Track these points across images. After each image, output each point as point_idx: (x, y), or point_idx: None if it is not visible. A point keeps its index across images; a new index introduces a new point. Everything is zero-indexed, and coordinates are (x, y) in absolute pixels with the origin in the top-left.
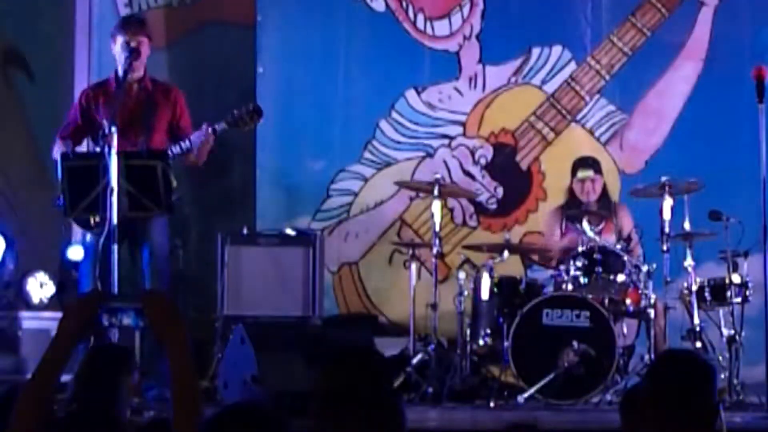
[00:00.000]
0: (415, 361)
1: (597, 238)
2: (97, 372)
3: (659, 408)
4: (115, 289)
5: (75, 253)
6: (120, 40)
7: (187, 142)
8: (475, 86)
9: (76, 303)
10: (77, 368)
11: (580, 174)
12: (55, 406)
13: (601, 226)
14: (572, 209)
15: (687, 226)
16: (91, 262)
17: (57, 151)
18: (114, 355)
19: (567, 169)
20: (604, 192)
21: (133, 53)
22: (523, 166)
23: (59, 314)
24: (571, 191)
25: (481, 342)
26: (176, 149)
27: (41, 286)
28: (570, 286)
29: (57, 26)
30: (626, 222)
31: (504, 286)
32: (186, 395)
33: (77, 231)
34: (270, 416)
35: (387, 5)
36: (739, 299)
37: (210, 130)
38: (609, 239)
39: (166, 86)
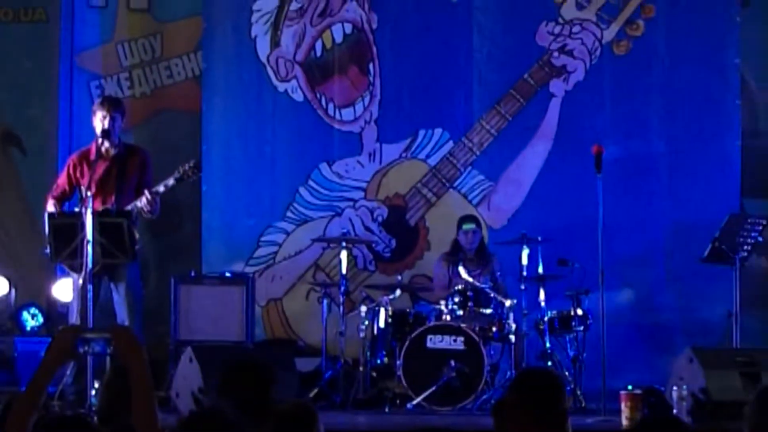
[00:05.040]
0: (326, 376)
1: (470, 279)
2: (119, 385)
3: (521, 413)
4: (91, 323)
5: (63, 289)
6: (98, 114)
7: (134, 204)
8: (374, 160)
9: (60, 333)
10: (103, 382)
11: (465, 227)
12: (43, 411)
13: (479, 270)
14: (454, 256)
15: (540, 270)
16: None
17: (48, 208)
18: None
19: (447, 225)
20: (482, 242)
21: (104, 134)
22: (412, 222)
23: (47, 340)
24: (455, 241)
25: (378, 361)
26: (129, 207)
27: (33, 317)
28: (448, 317)
29: (45, 113)
30: (495, 266)
31: (396, 317)
32: (145, 406)
33: (61, 273)
34: (230, 419)
35: (305, 96)
36: (581, 327)
37: (149, 194)
38: (485, 279)
39: (136, 149)
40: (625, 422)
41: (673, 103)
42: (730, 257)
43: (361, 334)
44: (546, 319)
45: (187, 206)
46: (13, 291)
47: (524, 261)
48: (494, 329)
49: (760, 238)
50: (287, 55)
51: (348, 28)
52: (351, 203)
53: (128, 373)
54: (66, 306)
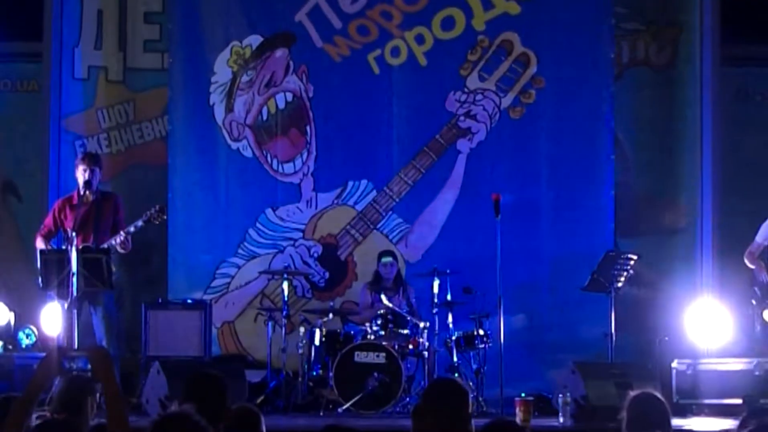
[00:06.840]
0: (271, 385)
1: (390, 305)
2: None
3: (432, 417)
4: (75, 342)
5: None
6: (80, 167)
7: (110, 242)
8: (311, 206)
9: (49, 352)
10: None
11: (383, 260)
12: (36, 416)
13: (397, 296)
14: (376, 285)
15: (449, 297)
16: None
17: (38, 244)
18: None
19: (372, 260)
20: (399, 274)
21: (86, 184)
22: (342, 258)
23: (39, 356)
24: (377, 273)
25: (314, 373)
26: (106, 245)
27: (27, 336)
28: (372, 336)
29: (38, 167)
30: (411, 294)
31: (329, 336)
32: (116, 413)
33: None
34: (197, 420)
35: (253, 153)
36: (482, 345)
37: (123, 234)
38: (402, 305)
39: (109, 194)
40: (519, 424)
41: (558, 158)
42: (606, 287)
43: (300, 351)
44: (453, 338)
45: (156, 244)
46: (12, 315)
47: (435, 290)
48: (410, 346)
49: (631, 271)
50: (239, 119)
51: (289, 96)
52: (292, 242)
53: (103, 385)
54: (54, 328)
